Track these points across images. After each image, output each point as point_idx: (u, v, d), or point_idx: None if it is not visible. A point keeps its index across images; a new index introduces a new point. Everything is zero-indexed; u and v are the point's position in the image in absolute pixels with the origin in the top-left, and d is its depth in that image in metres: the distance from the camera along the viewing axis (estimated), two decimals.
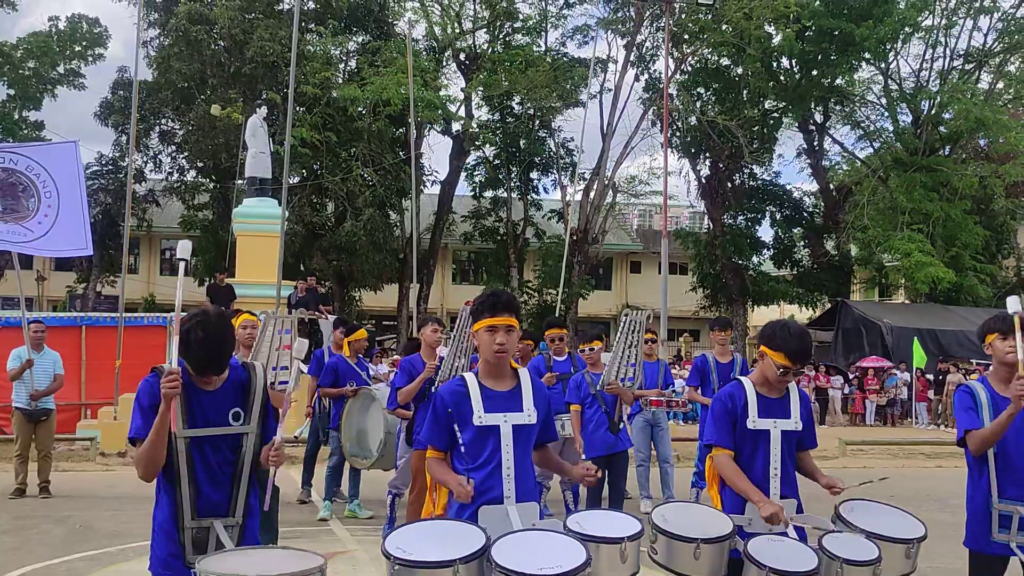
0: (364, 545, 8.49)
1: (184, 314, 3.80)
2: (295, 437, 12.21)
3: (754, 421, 4.35)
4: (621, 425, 8.14)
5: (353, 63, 32.28)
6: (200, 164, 31.46)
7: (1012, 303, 4.47)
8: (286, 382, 7.80)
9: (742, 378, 4.51)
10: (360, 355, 10.31)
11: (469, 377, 4.06)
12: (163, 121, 32.23)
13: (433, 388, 7.78)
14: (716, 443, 4.41)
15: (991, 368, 4.77)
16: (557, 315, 21.09)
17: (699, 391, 9.75)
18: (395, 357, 19.17)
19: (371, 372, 10.61)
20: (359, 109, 29.29)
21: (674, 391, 9.72)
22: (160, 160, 32.95)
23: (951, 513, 10.89)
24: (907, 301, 35.91)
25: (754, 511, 4.24)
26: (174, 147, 32.56)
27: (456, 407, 3.97)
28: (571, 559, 3.51)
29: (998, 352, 4.66)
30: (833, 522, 4.35)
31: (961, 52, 34.92)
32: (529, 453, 4.07)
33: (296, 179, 29.22)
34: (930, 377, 26.96)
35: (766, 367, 4.38)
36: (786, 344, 4.29)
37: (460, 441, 3.97)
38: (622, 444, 8.20)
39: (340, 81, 30.74)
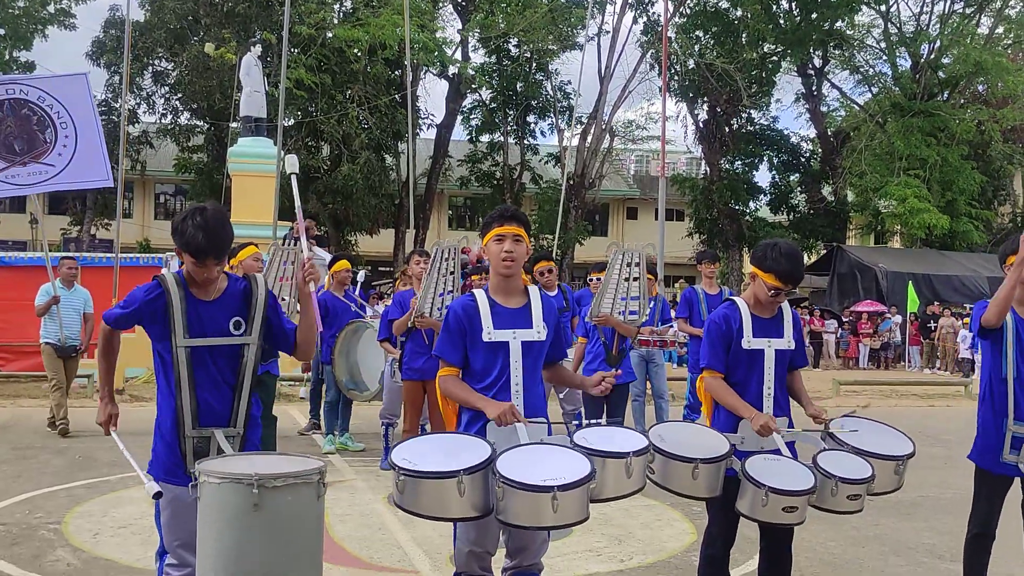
0: (362, 475, 8.60)
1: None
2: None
3: (749, 341, 4.38)
4: (622, 358, 8.16)
5: (349, 3, 31.86)
6: (194, 106, 31.12)
7: None
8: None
9: (736, 299, 4.53)
10: (347, 287, 10.25)
11: (479, 293, 4.07)
12: (156, 62, 31.81)
13: (411, 319, 7.83)
14: (708, 365, 4.45)
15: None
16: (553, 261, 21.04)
17: (688, 323, 9.82)
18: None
19: (368, 311, 10.56)
20: (355, 52, 28.98)
21: (670, 326, 9.73)
22: (153, 101, 32.61)
23: (943, 447, 11.09)
24: (902, 247, 35.96)
25: (746, 429, 4.29)
26: (167, 88, 32.21)
27: (468, 322, 3.98)
28: (576, 471, 3.54)
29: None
30: (823, 439, 4.40)
31: None
32: (539, 370, 4.09)
33: (291, 121, 28.99)
34: (924, 321, 27.10)
35: (758, 288, 4.40)
36: (776, 265, 4.30)
37: (471, 358, 4.00)
38: (621, 377, 8.22)
39: (335, 22, 30.37)
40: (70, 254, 14.27)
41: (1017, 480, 4.71)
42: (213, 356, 3.86)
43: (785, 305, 4.51)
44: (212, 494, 3.39)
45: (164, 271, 3.95)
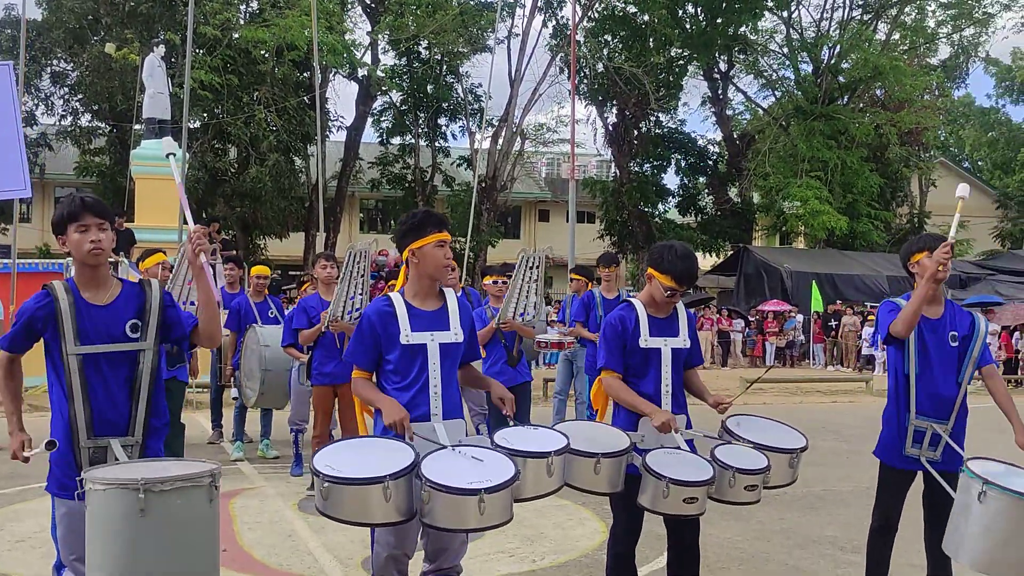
0: (272, 482, 8.48)
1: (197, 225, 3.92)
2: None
3: (646, 340, 4.45)
4: (519, 359, 8.22)
5: (255, 3, 31.37)
6: (95, 107, 30.25)
7: (961, 189, 4.74)
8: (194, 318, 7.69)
9: (631, 299, 4.60)
10: (269, 294, 10.10)
11: (395, 297, 4.06)
12: (54, 62, 30.88)
13: (324, 327, 7.74)
14: (606, 366, 4.51)
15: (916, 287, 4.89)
16: (465, 263, 21.06)
17: (585, 326, 9.82)
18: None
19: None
20: (263, 52, 28.55)
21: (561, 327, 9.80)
22: (52, 103, 31.62)
23: (845, 442, 11.40)
24: (806, 247, 36.89)
25: (646, 427, 4.35)
26: (67, 89, 31.27)
27: (383, 327, 3.98)
28: (501, 473, 3.56)
29: (926, 268, 4.74)
30: (720, 435, 4.50)
31: (860, 2, 35.74)
32: (455, 371, 4.12)
33: (197, 123, 28.42)
34: (826, 320, 27.83)
35: (654, 289, 4.48)
36: (672, 267, 4.39)
37: (387, 359, 3.98)
38: (521, 377, 8.28)
39: (241, 23, 29.88)
40: None
41: (920, 474, 4.85)
42: (107, 363, 3.73)
43: (680, 305, 4.60)
44: (98, 501, 3.27)
45: (55, 282, 3.79)
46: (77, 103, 31.20)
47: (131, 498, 3.21)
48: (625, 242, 36.71)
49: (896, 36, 36.62)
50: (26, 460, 3.73)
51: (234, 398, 9.94)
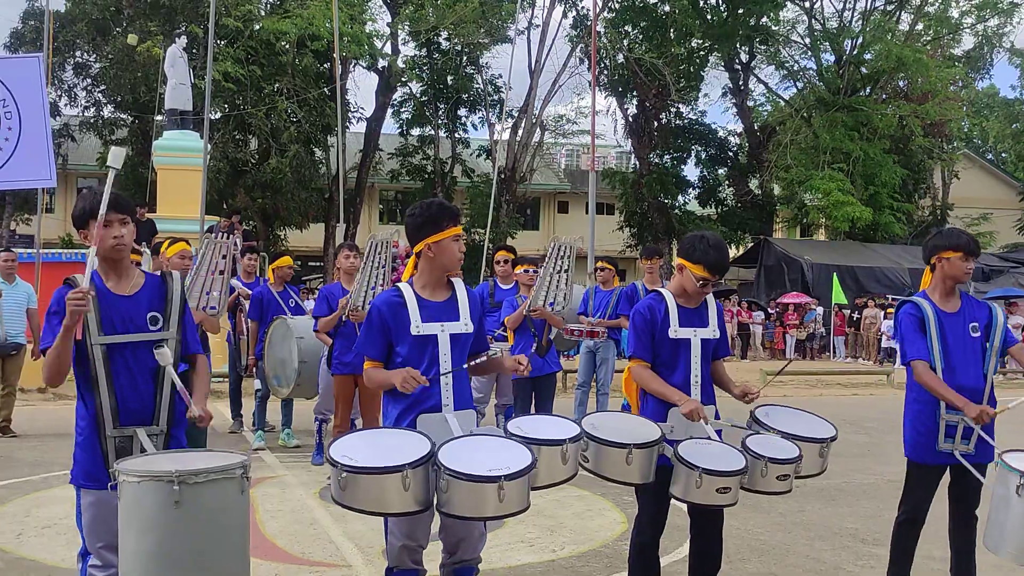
0: (293, 471, 8.53)
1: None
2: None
3: (675, 330, 4.44)
4: (548, 348, 8.23)
5: None
6: (118, 99, 30.43)
7: None
8: (215, 308, 7.75)
9: (661, 289, 4.60)
10: (287, 283, 10.16)
11: (404, 287, 4.06)
12: (78, 54, 31.05)
13: (343, 318, 7.79)
14: (635, 355, 4.51)
15: (932, 284, 4.86)
16: (484, 255, 21.07)
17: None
18: None
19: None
20: (284, 44, 28.62)
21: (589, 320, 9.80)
22: (76, 94, 31.80)
23: (866, 435, 11.37)
24: (827, 239, 36.69)
25: (676, 418, 4.34)
26: (90, 80, 31.44)
27: (393, 317, 3.98)
28: (517, 461, 3.57)
29: (955, 268, 4.75)
30: (748, 426, 4.49)
31: None
32: (465, 362, 4.11)
33: (218, 114, 28.53)
34: (847, 312, 27.70)
35: (685, 280, 4.47)
36: (705, 257, 4.38)
37: (397, 351, 3.99)
38: (548, 367, 8.30)
39: (262, 14, 29.96)
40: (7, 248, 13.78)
41: (947, 467, 4.83)
42: (131, 353, 3.75)
43: (710, 296, 4.59)
44: (132, 493, 3.31)
45: (77, 276, 3.79)
46: (100, 94, 31.38)
47: (166, 490, 3.25)
48: (645, 234, 36.62)
49: (920, 27, 36.29)
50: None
51: (257, 389, 9.97)
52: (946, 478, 4.86)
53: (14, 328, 10.35)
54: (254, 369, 9.88)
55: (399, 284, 4.12)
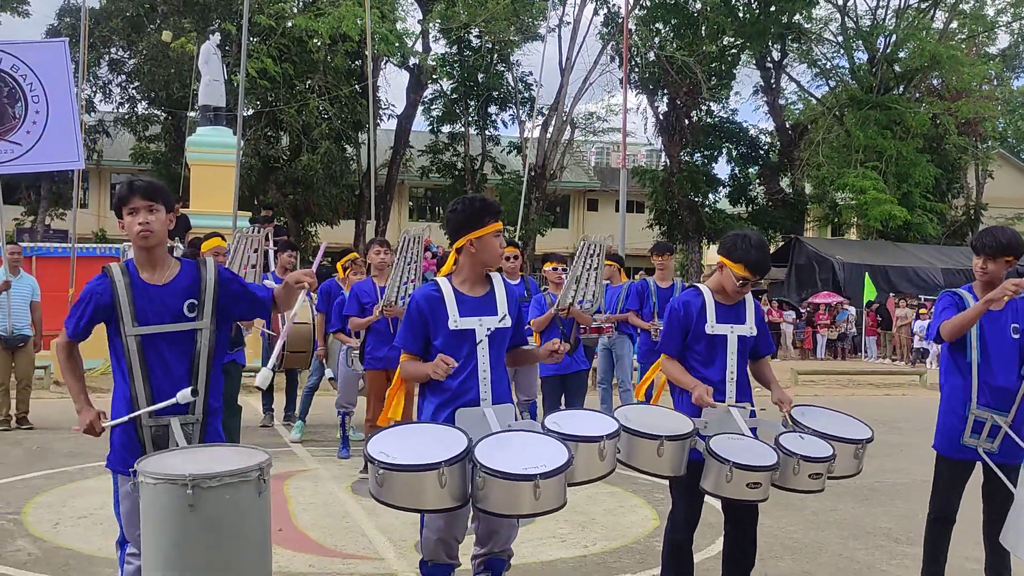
0: (325, 464, 8.58)
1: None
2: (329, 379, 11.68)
3: (712, 326, 4.44)
4: (577, 346, 8.23)
5: None
6: (152, 95, 30.74)
7: None
8: None
9: (700, 285, 4.60)
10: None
11: (443, 282, 4.08)
12: (113, 50, 31.37)
13: (377, 311, 7.80)
14: (662, 349, 4.55)
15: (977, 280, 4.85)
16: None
17: (639, 316, 9.77)
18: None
19: None
20: (315, 42, 28.76)
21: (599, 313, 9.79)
22: (110, 90, 32.11)
23: (899, 434, 11.27)
24: (859, 238, 36.39)
25: (709, 414, 4.34)
26: (124, 77, 31.76)
27: (431, 311, 4.00)
28: (554, 458, 3.56)
29: (974, 266, 4.81)
30: (784, 425, 4.47)
31: None
32: (503, 356, 4.13)
33: (250, 111, 28.72)
34: (883, 312, 27.46)
35: (725, 278, 4.46)
36: (746, 256, 4.37)
37: (435, 346, 4.00)
38: (576, 365, 8.29)
39: (295, 11, 30.13)
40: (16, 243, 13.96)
41: (979, 466, 4.80)
42: (166, 343, 3.77)
43: (748, 294, 4.58)
44: (148, 494, 3.32)
45: (113, 265, 3.81)
46: (134, 91, 31.69)
47: (179, 493, 3.24)
48: (675, 232, 36.49)
49: (954, 24, 35.92)
50: (100, 432, 3.79)
51: (330, 379, 9.96)
52: (979, 477, 4.82)
53: (20, 321, 10.47)
54: (324, 359, 9.89)
55: (438, 279, 4.13)
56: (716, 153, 38.02)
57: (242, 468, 3.36)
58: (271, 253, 12.04)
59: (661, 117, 36.33)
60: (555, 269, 8.51)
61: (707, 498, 4.26)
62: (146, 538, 3.39)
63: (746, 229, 4.80)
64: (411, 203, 44.65)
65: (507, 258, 8.58)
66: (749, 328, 4.52)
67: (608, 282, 10.04)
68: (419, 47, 33.56)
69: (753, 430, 4.36)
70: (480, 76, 34.52)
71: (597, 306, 8.41)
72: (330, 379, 10.00)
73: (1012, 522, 4.29)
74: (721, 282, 4.49)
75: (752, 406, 4.51)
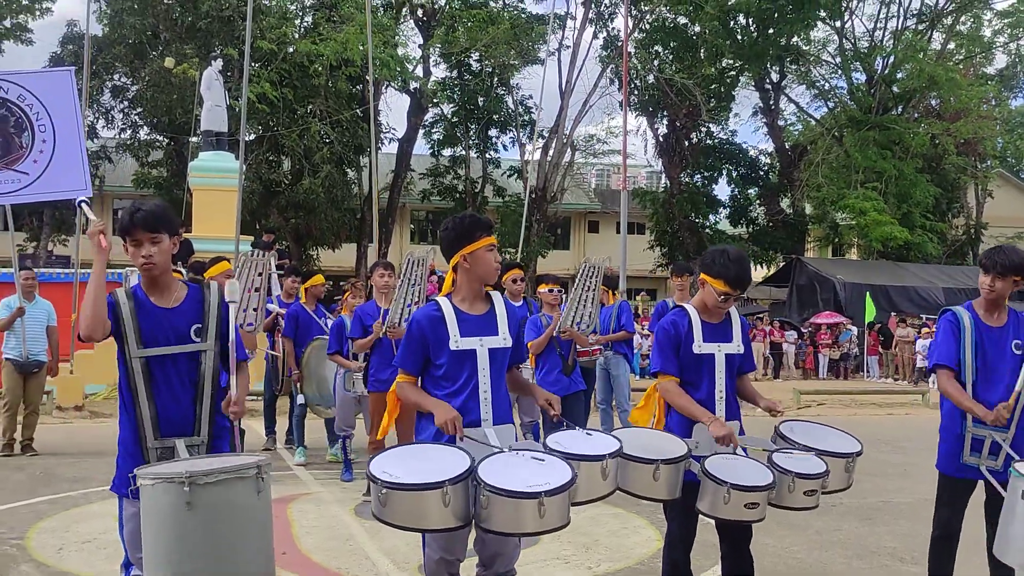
0: (328, 487, 8.58)
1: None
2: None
3: (699, 345, 4.44)
4: (574, 368, 8.26)
5: (310, 19, 31.82)
6: (154, 120, 30.87)
7: None
8: (252, 324, 7.86)
9: (685, 305, 4.59)
10: (319, 301, 10.25)
11: (443, 302, 4.07)
12: (115, 77, 31.54)
13: (380, 334, 7.82)
14: (661, 370, 4.51)
15: (980, 297, 4.88)
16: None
17: None
18: None
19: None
20: (316, 67, 28.93)
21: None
22: (112, 116, 32.26)
23: (901, 454, 11.26)
24: (859, 258, 36.43)
25: (701, 434, 4.33)
26: (127, 103, 31.92)
27: (432, 331, 4.00)
28: (557, 476, 3.56)
29: (979, 284, 4.82)
30: (774, 441, 4.49)
31: (915, 12, 35.36)
32: (504, 375, 4.13)
33: (252, 136, 28.85)
34: (885, 332, 27.43)
35: (706, 294, 4.46)
36: (726, 271, 4.37)
37: (436, 365, 4.01)
38: (575, 386, 8.30)
39: (296, 37, 30.32)
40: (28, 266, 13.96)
41: (981, 484, 4.81)
42: (171, 365, 3.84)
43: (733, 311, 4.59)
44: (147, 496, 3.38)
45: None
46: (137, 116, 31.83)
47: (177, 491, 3.30)
48: (676, 253, 36.55)
49: (951, 45, 36.14)
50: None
51: (300, 404, 10.02)
52: (981, 496, 4.83)
53: (36, 346, 10.46)
54: (298, 384, 9.92)
55: (438, 298, 4.13)
56: (716, 174, 38.20)
57: (239, 465, 3.41)
58: (275, 277, 12.09)
59: (661, 139, 36.50)
60: (551, 291, 8.50)
61: (704, 517, 4.27)
62: (147, 541, 3.44)
63: (726, 245, 4.80)
64: (412, 226, 44.75)
65: (514, 280, 8.56)
66: (736, 346, 4.53)
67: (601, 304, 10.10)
68: (420, 71, 33.76)
69: (744, 449, 4.38)
70: (480, 100, 34.72)
71: (592, 327, 8.46)
72: (299, 404, 9.98)
73: (1000, 530, 4.31)
74: (703, 299, 4.50)
75: (740, 423, 4.53)
